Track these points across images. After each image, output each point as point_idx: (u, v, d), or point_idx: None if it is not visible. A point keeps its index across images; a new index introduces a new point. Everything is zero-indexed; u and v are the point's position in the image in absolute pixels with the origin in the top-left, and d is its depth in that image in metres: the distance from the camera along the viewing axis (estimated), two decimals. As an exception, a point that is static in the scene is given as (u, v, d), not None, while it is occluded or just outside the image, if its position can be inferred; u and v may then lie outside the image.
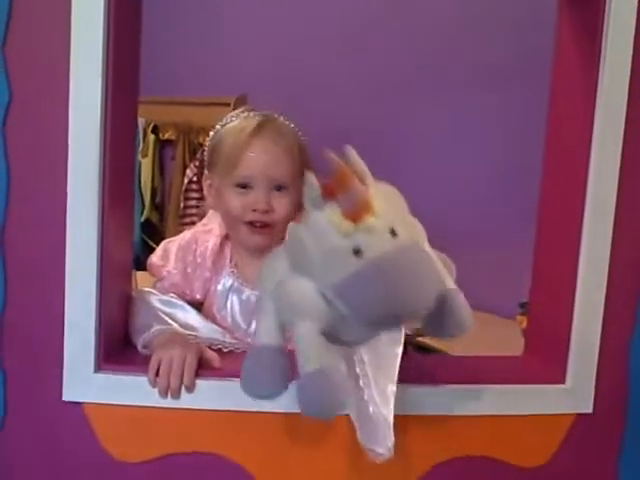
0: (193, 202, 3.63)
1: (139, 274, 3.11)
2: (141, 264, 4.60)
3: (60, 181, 1.00)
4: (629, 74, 1.06)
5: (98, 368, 1.05)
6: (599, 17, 1.06)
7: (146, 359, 1.08)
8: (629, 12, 1.05)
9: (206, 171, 1.42)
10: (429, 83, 2.89)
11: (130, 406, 1.05)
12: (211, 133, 1.41)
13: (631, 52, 1.06)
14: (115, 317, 1.11)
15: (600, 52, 1.06)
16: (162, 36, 3.84)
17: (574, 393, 1.13)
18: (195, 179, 3.62)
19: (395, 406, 0.98)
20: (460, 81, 2.77)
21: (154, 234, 3.93)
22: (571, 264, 1.12)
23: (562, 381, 1.13)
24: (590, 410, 1.13)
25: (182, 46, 3.80)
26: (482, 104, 2.70)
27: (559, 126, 1.18)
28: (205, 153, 1.44)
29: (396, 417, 1.05)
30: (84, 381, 1.04)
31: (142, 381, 1.05)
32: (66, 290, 1.02)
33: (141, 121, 3.96)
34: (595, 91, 1.07)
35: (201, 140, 3.72)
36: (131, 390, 1.05)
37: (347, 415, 0.96)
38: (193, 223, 3.69)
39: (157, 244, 4.83)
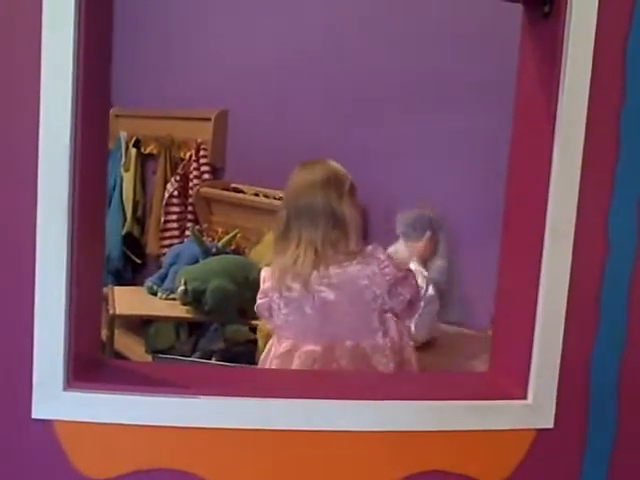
0: (174, 216, 3.64)
1: (118, 289, 3.10)
2: (122, 277, 4.55)
3: (30, 198, 1.02)
4: (588, 92, 1.10)
5: (68, 386, 1.06)
6: (559, 36, 1.09)
7: (116, 377, 1.09)
8: (588, 33, 1.09)
9: None
10: (412, 99, 2.91)
11: (99, 423, 1.06)
12: None
13: (590, 71, 1.09)
14: (86, 334, 1.13)
15: (560, 70, 1.10)
16: (145, 51, 3.88)
17: (536, 408, 1.15)
18: (176, 193, 3.63)
19: (359, 422, 1.10)
20: (443, 98, 2.80)
21: (135, 247, 3.93)
22: (533, 282, 1.14)
23: (524, 397, 1.16)
24: (551, 425, 1.15)
25: (164, 61, 3.82)
26: (465, 120, 2.72)
27: (521, 148, 1.22)
28: None
29: (360, 433, 1.09)
30: (54, 399, 1.05)
31: (112, 398, 1.06)
32: (35, 308, 1.03)
33: (123, 135, 3.97)
34: (555, 110, 1.11)
35: (182, 154, 3.73)
36: (101, 407, 1.06)
37: (317, 432, 1.07)
38: (173, 237, 3.70)
39: (138, 257, 4.81)
